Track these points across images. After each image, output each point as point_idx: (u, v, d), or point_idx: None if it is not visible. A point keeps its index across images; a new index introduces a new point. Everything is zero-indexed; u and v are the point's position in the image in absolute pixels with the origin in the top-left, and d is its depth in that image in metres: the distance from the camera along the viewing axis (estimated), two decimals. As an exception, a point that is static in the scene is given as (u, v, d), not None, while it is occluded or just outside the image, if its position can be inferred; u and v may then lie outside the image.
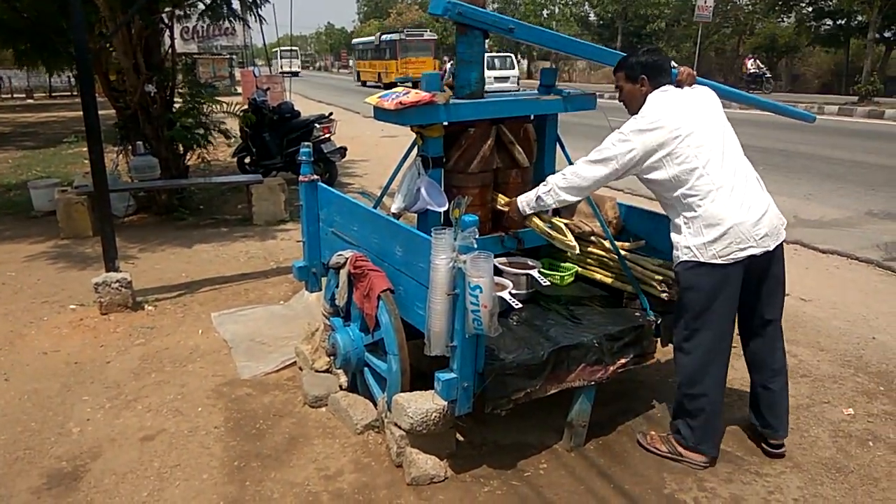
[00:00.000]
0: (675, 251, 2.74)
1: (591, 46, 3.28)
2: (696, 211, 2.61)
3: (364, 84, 36.01)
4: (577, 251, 2.88)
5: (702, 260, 2.62)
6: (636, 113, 2.75)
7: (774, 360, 2.88)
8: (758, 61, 26.05)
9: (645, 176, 2.71)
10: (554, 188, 2.78)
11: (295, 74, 13.99)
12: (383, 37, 34.15)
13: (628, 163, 2.65)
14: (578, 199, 2.90)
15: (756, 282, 2.74)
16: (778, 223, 2.68)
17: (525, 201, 2.90)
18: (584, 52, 3.24)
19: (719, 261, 2.60)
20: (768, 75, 25.46)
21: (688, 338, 2.78)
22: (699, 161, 2.58)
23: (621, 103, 2.90)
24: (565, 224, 2.92)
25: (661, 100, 2.71)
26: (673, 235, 2.76)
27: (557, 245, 2.88)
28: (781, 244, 2.71)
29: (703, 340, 2.73)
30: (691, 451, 2.82)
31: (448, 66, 24.41)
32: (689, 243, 2.65)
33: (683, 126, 2.61)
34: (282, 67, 17.34)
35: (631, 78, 2.81)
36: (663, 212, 2.90)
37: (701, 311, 2.70)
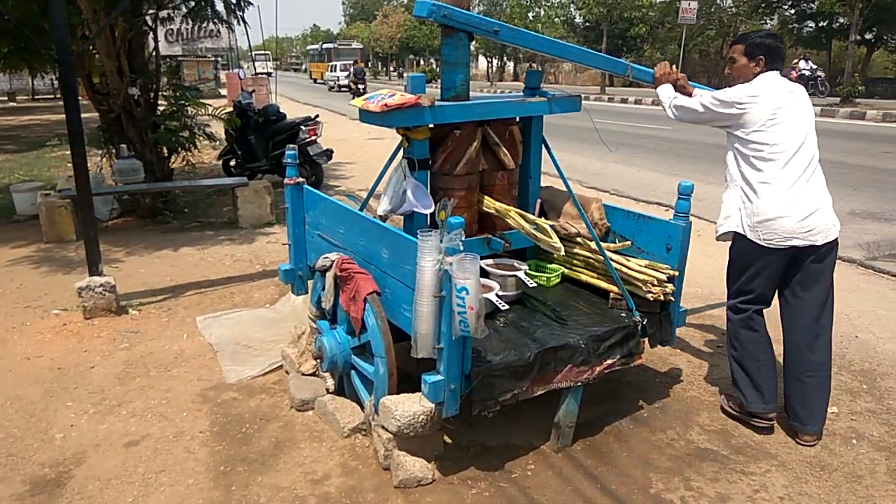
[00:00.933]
0: (725, 218, 3.06)
1: (574, 48, 3.30)
2: (753, 193, 2.91)
3: (315, 81, 47.53)
4: (562, 252, 2.91)
5: (748, 236, 2.94)
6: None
7: (814, 354, 3.01)
8: (810, 62, 22.96)
9: (734, 133, 2.98)
10: (675, 99, 3.19)
11: (268, 75, 17.04)
12: (324, 45, 48.03)
13: (718, 114, 2.98)
14: (680, 116, 3.18)
15: (800, 272, 2.97)
16: (829, 223, 2.90)
17: (662, 92, 3.28)
18: (567, 54, 3.26)
19: (762, 242, 2.89)
20: (821, 76, 22.75)
21: (734, 307, 3.13)
22: (775, 149, 2.85)
23: (728, 74, 3.13)
24: (551, 226, 2.94)
25: (773, 83, 2.93)
26: (728, 203, 3.06)
27: (542, 246, 2.93)
28: (833, 244, 2.94)
29: (745, 309, 3.08)
30: (752, 416, 3.11)
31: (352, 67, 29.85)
32: (740, 218, 2.98)
33: (779, 113, 2.86)
34: (255, 69, 20.02)
35: (749, 54, 3.00)
36: (648, 213, 2.94)
37: (745, 280, 3.03)
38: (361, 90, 25.90)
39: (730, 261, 3.12)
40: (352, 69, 29.23)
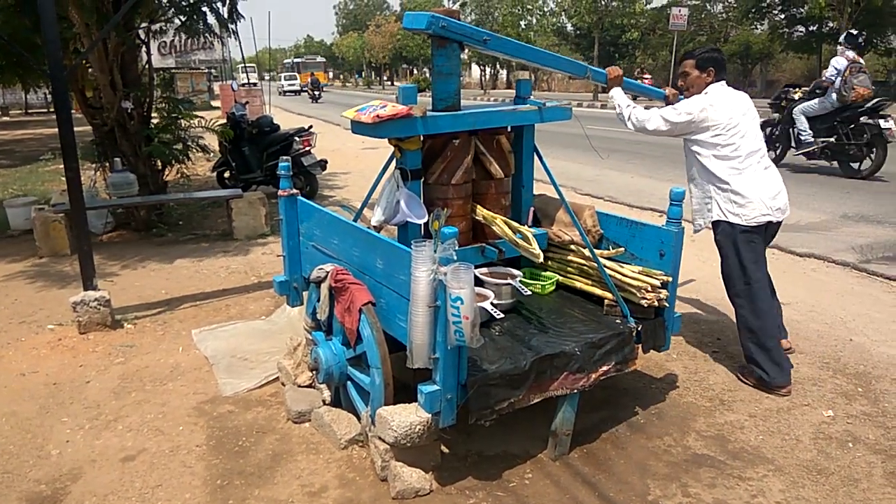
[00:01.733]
0: (702, 212, 3.54)
1: (558, 57, 3.35)
2: (726, 184, 3.37)
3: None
4: (541, 259, 2.93)
5: (731, 220, 3.40)
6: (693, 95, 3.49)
7: (779, 318, 3.69)
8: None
9: (694, 137, 3.42)
10: (634, 110, 3.56)
11: (254, 85, 18.38)
12: (295, 59, 61.49)
13: (685, 124, 3.39)
14: (643, 130, 3.55)
15: (766, 244, 3.52)
16: (786, 201, 3.47)
17: (618, 96, 3.64)
18: (553, 63, 3.31)
19: (744, 222, 3.36)
20: None
21: (737, 293, 3.52)
22: (738, 145, 3.33)
23: (681, 86, 3.58)
24: (543, 233, 2.96)
25: (722, 91, 3.43)
26: (698, 198, 3.54)
27: (522, 253, 2.96)
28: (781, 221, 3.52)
29: (744, 290, 3.48)
30: (774, 389, 3.46)
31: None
32: (719, 207, 3.43)
33: (734, 115, 3.34)
34: (249, 78, 21.42)
35: (700, 67, 3.47)
36: (642, 220, 2.97)
37: (745, 264, 3.44)
38: (317, 95, 36.65)
39: (722, 253, 3.48)
40: (310, 80, 38.44)
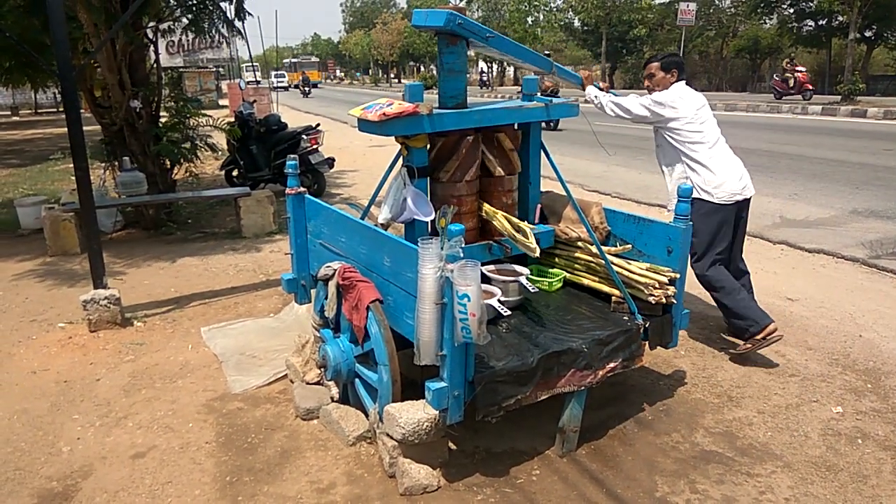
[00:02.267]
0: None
1: (525, 51, 3.32)
2: (700, 166, 3.79)
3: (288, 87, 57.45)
4: (537, 254, 2.95)
5: (706, 199, 3.78)
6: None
7: (747, 280, 4.07)
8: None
9: (669, 125, 3.82)
10: (613, 98, 3.95)
11: (258, 83, 18.77)
12: (292, 60, 65.62)
13: (657, 114, 3.81)
14: (624, 114, 3.93)
15: (737, 221, 3.91)
16: (749, 181, 3.91)
17: (593, 90, 3.99)
18: (519, 55, 3.28)
19: (718, 201, 3.78)
20: None
21: (704, 263, 3.85)
22: (705, 132, 3.79)
23: (647, 87, 3.96)
24: (530, 229, 2.98)
25: (685, 88, 3.88)
26: (673, 181, 3.91)
27: (520, 247, 2.98)
28: (750, 198, 3.92)
29: (709, 259, 3.84)
30: (762, 334, 3.70)
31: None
32: (696, 187, 3.75)
33: (700, 111, 3.81)
34: (256, 76, 21.98)
35: (665, 69, 3.88)
36: (649, 216, 2.96)
37: (714, 240, 3.81)
38: (307, 90, 41.60)
39: (695, 229, 3.60)
40: (301, 78, 43.96)
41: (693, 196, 3.58)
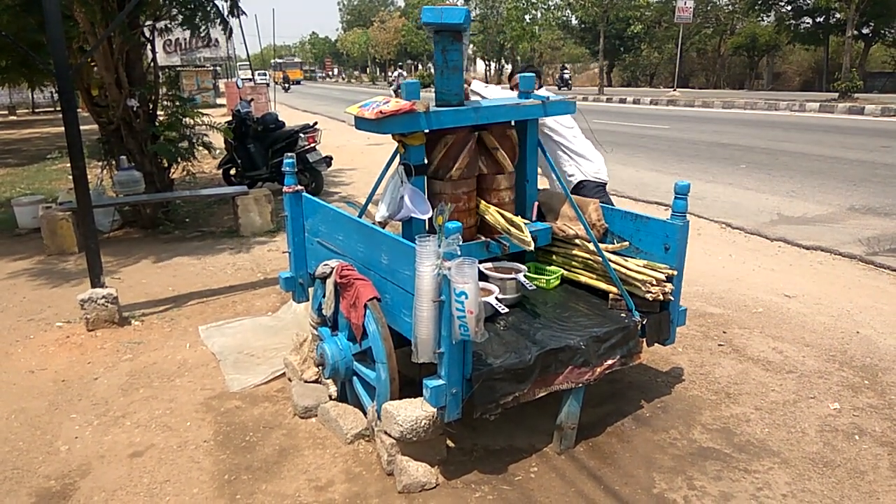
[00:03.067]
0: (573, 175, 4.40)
1: None
2: (582, 158, 4.37)
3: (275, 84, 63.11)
4: (532, 247, 2.97)
5: (590, 179, 4.39)
6: None
7: None
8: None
9: (553, 128, 4.30)
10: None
11: (251, 80, 19.23)
12: (277, 60, 70.94)
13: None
14: None
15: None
16: (605, 172, 4.53)
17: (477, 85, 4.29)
18: None
19: (595, 181, 4.40)
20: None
21: None
22: (574, 127, 4.39)
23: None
24: (524, 223, 2.99)
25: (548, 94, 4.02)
26: (570, 169, 4.40)
27: (514, 241, 3.01)
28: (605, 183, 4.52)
29: None
30: None
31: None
32: (582, 174, 4.37)
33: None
34: (254, 75, 22.49)
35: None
36: (646, 213, 2.96)
37: None
38: (287, 87, 46.16)
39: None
40: (282, 76, 49.56)
41: (579, 178, 4.38)
